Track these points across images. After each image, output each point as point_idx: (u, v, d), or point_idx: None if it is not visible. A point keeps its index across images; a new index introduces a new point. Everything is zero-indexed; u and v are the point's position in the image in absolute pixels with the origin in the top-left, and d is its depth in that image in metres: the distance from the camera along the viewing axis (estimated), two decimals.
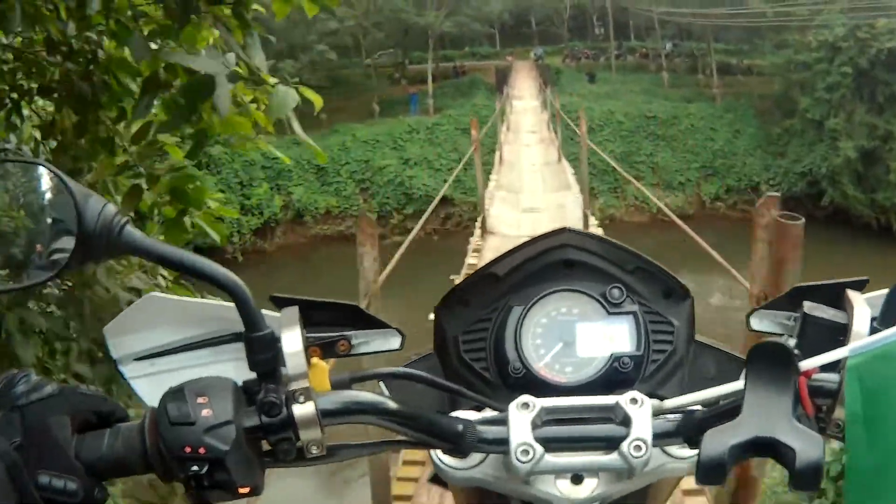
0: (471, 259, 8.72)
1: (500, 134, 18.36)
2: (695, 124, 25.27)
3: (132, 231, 0.54)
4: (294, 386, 0.54)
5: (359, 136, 24.49)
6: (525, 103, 25.33)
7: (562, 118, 17.55)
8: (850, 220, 22.06)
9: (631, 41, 38.54)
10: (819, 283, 0.66)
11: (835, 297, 0.64)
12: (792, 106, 23.93)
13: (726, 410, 0.54)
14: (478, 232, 10.02)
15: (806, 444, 0.50)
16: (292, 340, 0.56)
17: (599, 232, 8.80)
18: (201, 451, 0.50)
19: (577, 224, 8.23)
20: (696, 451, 0.52)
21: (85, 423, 0.54)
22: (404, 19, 26.11)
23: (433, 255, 16.46)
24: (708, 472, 0.51)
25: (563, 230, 0.74)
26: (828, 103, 22.50)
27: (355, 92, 29.01)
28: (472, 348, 0.72)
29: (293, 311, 0.59)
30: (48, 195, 0.55)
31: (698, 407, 0.58)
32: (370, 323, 0.67)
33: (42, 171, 0.55)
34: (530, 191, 13.72)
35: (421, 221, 6.23)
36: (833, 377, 0.54)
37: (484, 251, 9.03)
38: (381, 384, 0.70)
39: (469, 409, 0.65)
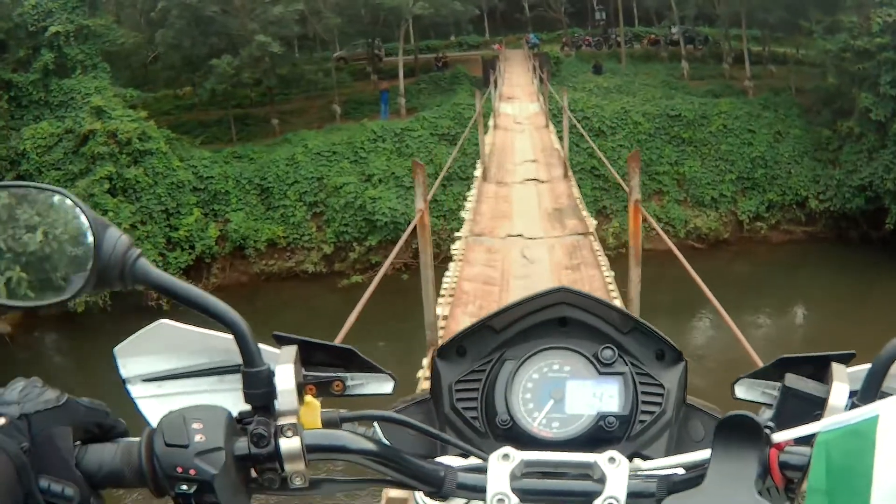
0: None
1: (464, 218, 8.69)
2: (728, 125, 20.70)
3: (145, 263, 0.59)
4: (283, 421, 0.59)
5: (312, 147, 19.80)
6: (518, 107, 19.89)
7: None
8: None
9: (635, 27, 34.15)
10: (805, 354, 0.68)
11: (820, 369, 0.66)
12: (847, 103, 19.75)
13: (694, 477, 0.57)
14: None
15: None
16: (286, 378, 0.61)
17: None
18: (192, 472, 0.54)
19: None
20: None
21: (88, 434, 0.58)
22: (367, 2, 21.33)
23: (402, 300, 11.89)
24: None
25: (560, 289, 0.77)
26: (894, 101, 18.47)
27: (316, 91, 24.33)
28: (464, 397, 0.77)
29: (291, 350, 0.64)
30: (67, 222, 0.59)
31: (680, 470, 0.61)
32: (365, 366, 0.70)
33: (63, 199, 0.60)
34: None
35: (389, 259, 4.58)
36: (805, 450, 0.56)
37: None
38: (376, 424, 0.72)
39: (456, 455, 0.69)
